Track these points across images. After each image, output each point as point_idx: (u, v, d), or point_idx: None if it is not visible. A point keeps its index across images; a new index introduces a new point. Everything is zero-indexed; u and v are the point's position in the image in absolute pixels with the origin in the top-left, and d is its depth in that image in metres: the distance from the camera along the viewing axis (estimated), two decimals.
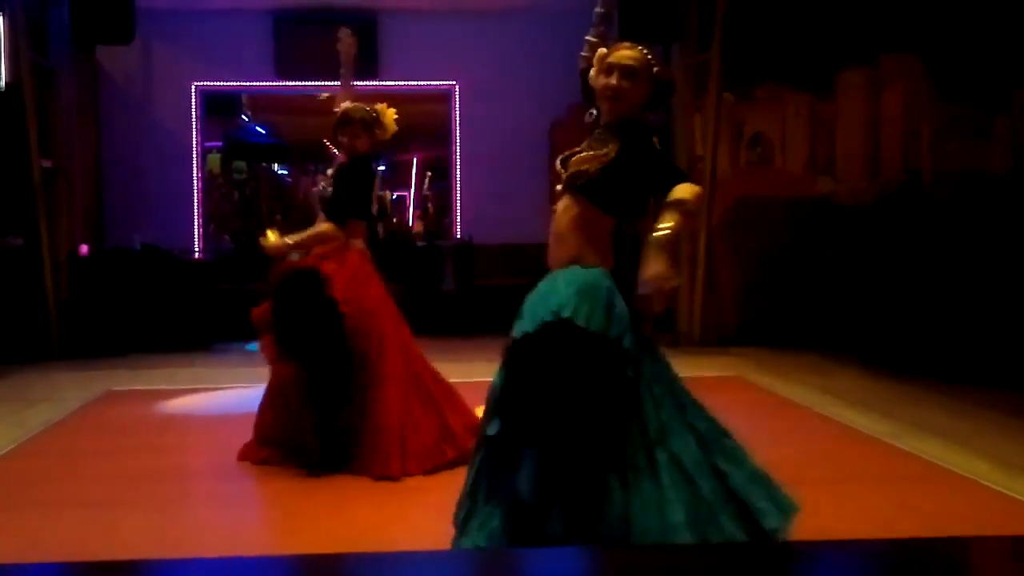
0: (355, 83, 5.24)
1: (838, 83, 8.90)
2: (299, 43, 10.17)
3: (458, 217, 10.60)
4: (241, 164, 12.20)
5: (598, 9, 3.42)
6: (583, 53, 3.33)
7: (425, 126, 11.16)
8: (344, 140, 4.97)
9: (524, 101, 9.97)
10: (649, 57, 3.12)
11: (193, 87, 10.16)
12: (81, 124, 9.39)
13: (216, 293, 9.30)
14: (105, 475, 4.56)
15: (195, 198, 10.21)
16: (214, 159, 11.35)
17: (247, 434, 4.84)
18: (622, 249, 3.03)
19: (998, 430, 5.34)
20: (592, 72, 3.18)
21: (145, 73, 10.13)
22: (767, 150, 9.06)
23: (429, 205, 12.03)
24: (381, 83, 10.36)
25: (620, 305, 2.93)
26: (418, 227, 11.56)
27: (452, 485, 4.19)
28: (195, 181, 10.21)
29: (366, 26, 10.24)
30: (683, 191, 2.88)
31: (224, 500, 4.27)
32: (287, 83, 10.31)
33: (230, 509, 4.13)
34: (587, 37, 3.37)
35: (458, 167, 10.60)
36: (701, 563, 2.27)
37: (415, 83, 10.42)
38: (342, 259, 4.79)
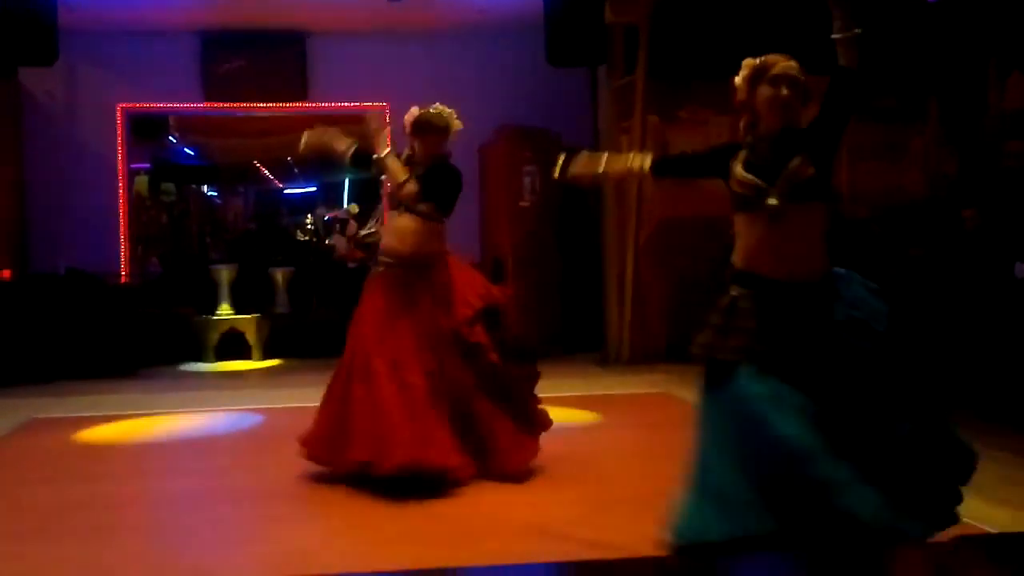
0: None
1: None
2: (227, 64, 10.12)
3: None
4: (170, 186, 12.08)
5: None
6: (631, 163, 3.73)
7: (356, 147, 11.17)
8: (425, 145, 4.95)
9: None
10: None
11: (119, 109, 10.03)
12: (3, 146, 9.23)
13: (143, 317, 9.18)
14: (29, 505, 4.49)
15: (121, 220, 10.06)
16: (141, 181, 11.22)
17: (174, 461, 4.79)
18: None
19: None
20: (740, 83, 3.24)
21: (69, 95, 9.98)
22: None
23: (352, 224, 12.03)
24: (312, 104, 10.37)
25: None
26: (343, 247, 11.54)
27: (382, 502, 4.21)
28: (121, 203, 10.07)
29: (295, 47, 10.24)
30: None
31: (152, 529, 4.24)
32: (215, 105, 10.24)
33: (158, 538, 4.10)
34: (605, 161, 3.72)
35: (390, 188, 10.62)
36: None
37: (346, 104, 10.43)
38: (461, 268, 4.99)
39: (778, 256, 3.12)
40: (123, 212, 10.08)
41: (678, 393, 7.13)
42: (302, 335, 9.79)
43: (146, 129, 10.87)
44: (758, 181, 3.11)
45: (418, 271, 4.82)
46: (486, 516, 4.09)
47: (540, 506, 4.24)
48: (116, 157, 10.06)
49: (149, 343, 9.16)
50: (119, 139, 10.05)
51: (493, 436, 4.65)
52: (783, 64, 3.22)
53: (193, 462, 5.43)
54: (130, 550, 3.91)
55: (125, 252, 10.05)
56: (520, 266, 9.62)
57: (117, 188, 10.06)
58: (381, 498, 4.40)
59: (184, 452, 5.72)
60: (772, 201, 3.09)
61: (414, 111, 5.00)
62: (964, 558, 2.90)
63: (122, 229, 10.06)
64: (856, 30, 3.05)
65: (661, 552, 2.91)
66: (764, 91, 3.19)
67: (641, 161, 3.60)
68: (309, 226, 13.18)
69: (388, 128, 5.24)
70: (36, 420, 6.65)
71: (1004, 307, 6.28)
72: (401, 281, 4.82)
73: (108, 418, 6.66)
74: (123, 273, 9.95)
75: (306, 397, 7.06)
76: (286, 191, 13.85)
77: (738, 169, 3.18)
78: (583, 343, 9.50)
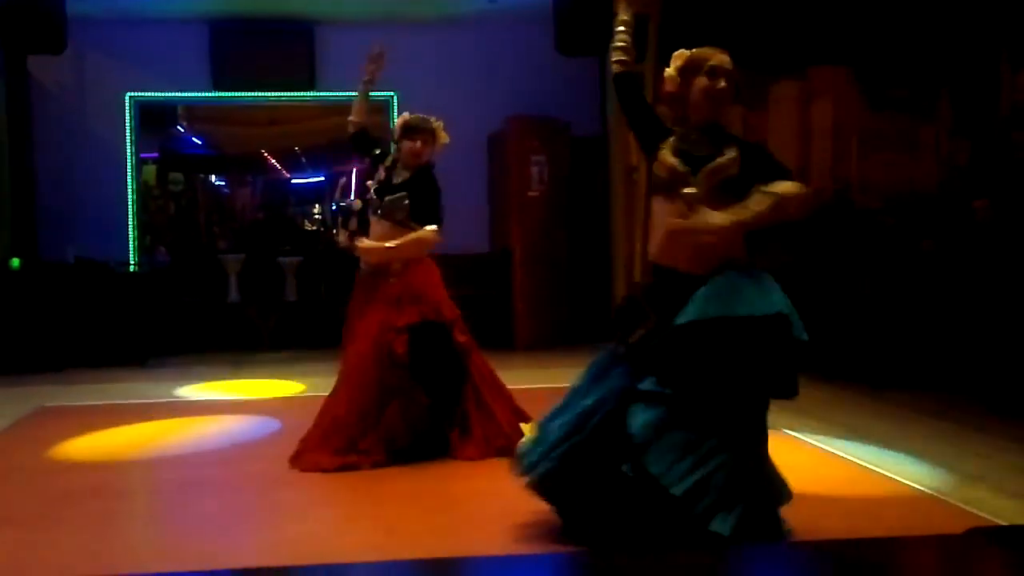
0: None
1: (770, 95, 9.08)
2: (236, 53, 10.11)
3: None
4: (177, 175, 12.07)
5: (623, 17, 3.62)
6: (617, 58, 3.66)
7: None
8: (414, 146, 5.03)
9: (462, 112, 9.96)
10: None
11: (127, 97, 10.03)
12: (12, 134, 9.23)
13: (152, 306, 9.19)
14: (37, 493, 4.49)
15: (130, 210, 10.08)
16: (149, 170, 11.21)
17: (181, 448, 4.80)
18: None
19: (926, 433, 5.49)
20: (672, 74, 3.35)
21: (78, 83, 9.99)
22: None
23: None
24: (318, 94, 10.35)
25: None
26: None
27: (396, 490, 4.21)
28: (130, 192, 10.09)
29: (304, 37, 10.23)
30: (784, 186, 3.15)
31: (159, 516, 4.24)
32: (224, 94, 10.23)
33: (166, 525, 4.10)
34: (616, 44, 3.63)
35: None
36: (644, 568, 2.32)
37: (352, 94, 10.38)
38: (428, 271, 5.04)
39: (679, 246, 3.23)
40: (131, 201, 10.10)
41: None
42: (310, 324, 9.81)
43: (154, 118, 10.86)
44: (681, 166, 3.16)
45: (384, 275, 4.98)
46: (496, 506, 4.08)
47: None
48: (125, 146, 10.07)
49: (157, 332, 9.17)
50: (128, 128, 10.06)
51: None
52: (719, 57, 3.26)
53: (200, 450, 5.43)
54: (137, 537, 3.91)
55: (134, 241, 10.07)
56: (528, 255, 9.61)
57: (126, 177, 10.07)
58: (390, 486, 4.40)
59: (191, 440, 5.72)
60: (691, 190, 3.14)
61: (405, 115, 5.16)
62: (974, 549, 2.89)
63: (130, 218, 10.08)
64: None
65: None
66: (701, 82, 3.23)
67: (619, 57, 3.72)
68: (317, 216, 13.16)
69: (380, 66, 5.27)
70: (45, 408, 6.66)
71: (1015, 299, 6.25)
72: (368, 284, 5.05)
73: (116, 407, 6.67)
74: (131, 262, 9.97)
75: (314, 386, 7.08)
76: (294, 181, 13.84)
77: (664, 153, 3.22)
78: (591, 333, 9.48)
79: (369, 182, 5.12)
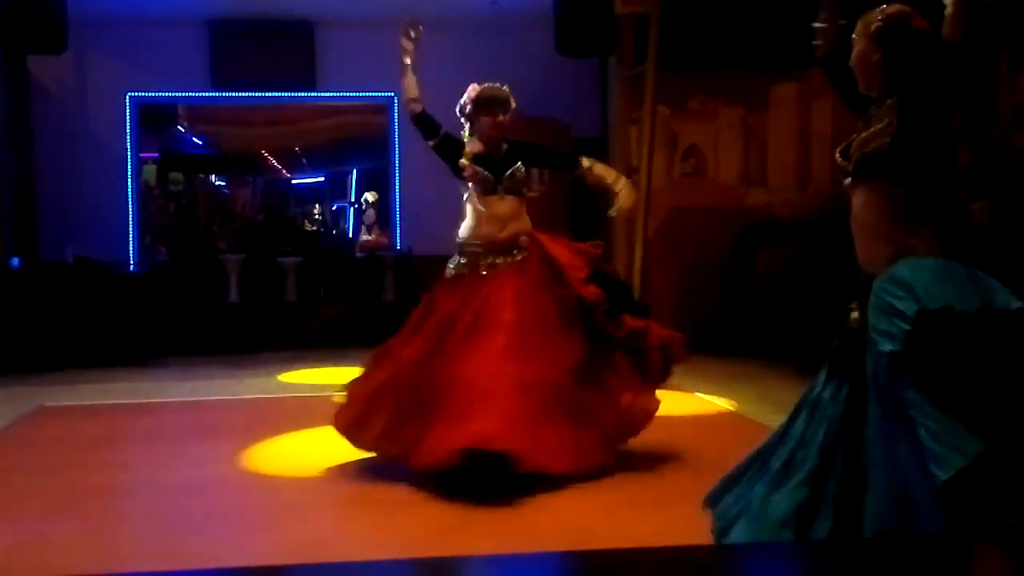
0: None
1: (770, 96, 9.09)
2: (236, 53, 10.12)
3: (398, 228, 10.61)
4: (178, 175, 12.06)
5: None
6: (817, 41, 3.19)
7: (364, 137, 11.18)
8: (496, 120, 4.81)
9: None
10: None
11: (128, 97, 10.04)
12: (12, 134, 9.23)
13: (152, 306, 9.19)
14: (38, 492, 4.49)
15: (130, 210, 10.08)
16: (150, 170, 11.21)
17: (184, 448, 4.79)
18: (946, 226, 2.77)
19: None
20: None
21: (78, 83, 10.00)
22: (701, 162, 9.21)
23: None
24: (319, 94, 10.36)
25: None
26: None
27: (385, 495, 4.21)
28: (130, 193, 10.09)
29: (304, 37, 10.24)
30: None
31: (162, 516, 4.24)
32: (224, 94, 10.24)
33: (168, 525, 4.10)
34: (817, 24, 3.20)
35: (397, 178, 10.62)
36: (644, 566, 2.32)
37: (353, 94, 10.42)
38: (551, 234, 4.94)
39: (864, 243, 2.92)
40: (131, 201, 10.11)
41: (686, 384, 7.12)
42: (310, 325, 9.82)
43: (154, 118, 10.87)
44: (843, 161, 2.90)
45: (507, 252, 4.72)
46: (496, 506, 4.08)
47: (558, 499, 4.20)
48: (125, 146, 10.08)
49: (157, 332, 9.17)
50: (128, 128, 10.07)
51: (611, 398, 4.55)
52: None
53: (203, 449, 5.43)
54: (140, 537, 3.92)
55: (134, 241, 10.07)
56: None
57: (126, 177, 10.08)
58: (396, 486, 4.40)
59: (193, 439, 5.72)
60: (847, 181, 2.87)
61: (475, 88, 4.91)
62: (973, 548, 2.88)
63: (130, 218, 10.09)
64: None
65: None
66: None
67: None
68: (317, 216, 13.16)
69: (417, 35, 5.07)
70: (45, 408, 6.66)
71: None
72: (466, 280, 4.68)
73: (117, 407, 6.67)
74: (131, 262, 9.97)
75: (315, 386, 7.09)
76: (294, 181, 13.84)
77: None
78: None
79: (464, 162, 4.75)
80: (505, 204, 4.77)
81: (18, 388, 7.36)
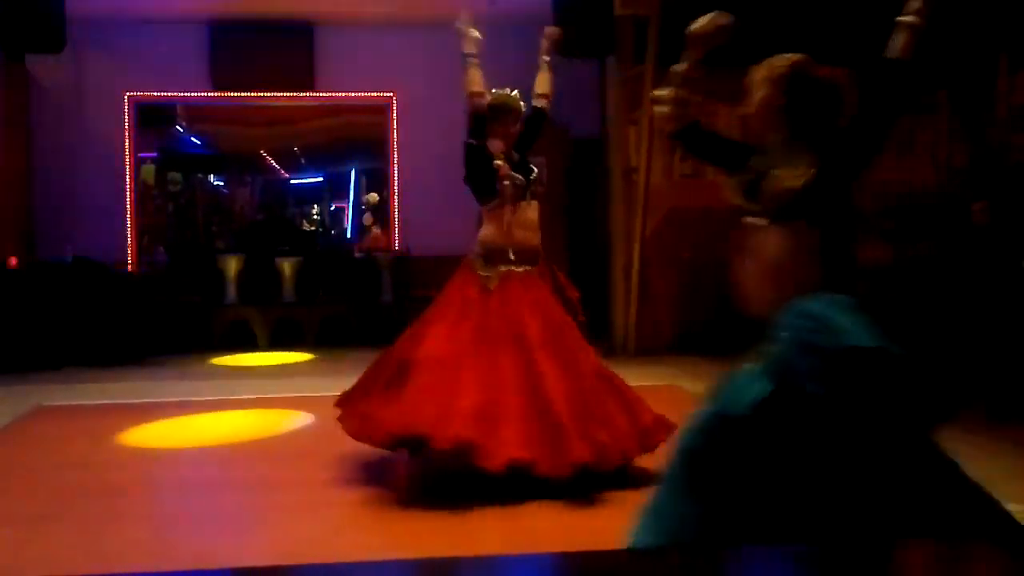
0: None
1: None
2: (235, 54, 10.12)
3: (396, 228, 10.61)
4: (176, 175, 12.06)
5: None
6: (669, 117, 3.16)
7: (362, 138, 11.18)
8: (509, 130, 4.79)
9: (461, 113, 9.94)
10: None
11: (126, 97, 10.04)
12: (10, 134, 9.23)
13: (150, 306, 9.18)
14: (36, 491, 4.50)
15: (128, 209, 10.08)
16: (148, 170, 11.22)
17: (179, 448, 4.79)
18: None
19: None
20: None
21: (77, 83, 9.99)
22: (699, 163, 9.21)
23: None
24: (317, 94, 10.36)
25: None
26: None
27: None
28: (128, 192, 10.09)
29: (303, 37, 10.24)
30: None
31: (157, 516, 4.24)
32: (223, 94, 10.24)
33: (163, 525, 4.10)
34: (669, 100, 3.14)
35: (395, 179, 10.62)
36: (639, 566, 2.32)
37: (352, 94, 10.42)
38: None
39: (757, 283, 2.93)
40: (130, 200, 10.10)
41: (685, 385, 7.13)
42: (308, 325, 9.82)
43: (153, 118, 10.86)
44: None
45: (532, 261, 4.73)
46: (496, 506, 4.08)
47: (557, 500, 4.19)
48: (123, 146, 10.07)
49: (155, 332, 9.16)
50: (126, 128, 10.06)
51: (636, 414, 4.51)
52: None
53: (198, 450, 5.43)
54: (135, 537, 3.91)
55: (132, 241, 10.07)
56: None
57: (124, 177, 10.08)
58: (390, 488, 4.40)
59: (190, 440, 5.72)
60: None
61: (487, 96, 4.85)
62: (972, 551, 2.89)
63: (129, 217, 10.08)
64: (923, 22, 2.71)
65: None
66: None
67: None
68: (315, 216, 13.16)
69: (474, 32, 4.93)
70: (42, 407, 6.66)
71: (1013, 302, 6.25)
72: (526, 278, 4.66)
73: (114, 406, 6.66)
74: (130, 262, 9.97)
75: (311, 386, 7.08)
76: (293, 181, 13.84)
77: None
78: (589, 334, 9.49)
79: (499, 163, 4.70)
80: (532, 209, 4.75)
81: (16, 387, 7.36)
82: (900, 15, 2.70)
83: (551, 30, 5.05)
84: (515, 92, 4.87)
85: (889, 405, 2.47)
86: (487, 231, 4.69)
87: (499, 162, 4.67)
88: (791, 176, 2.69)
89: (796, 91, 2.83)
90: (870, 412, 2.45)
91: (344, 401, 4.61)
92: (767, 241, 2.72)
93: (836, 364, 2.42)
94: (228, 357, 9.15)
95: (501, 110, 4.77)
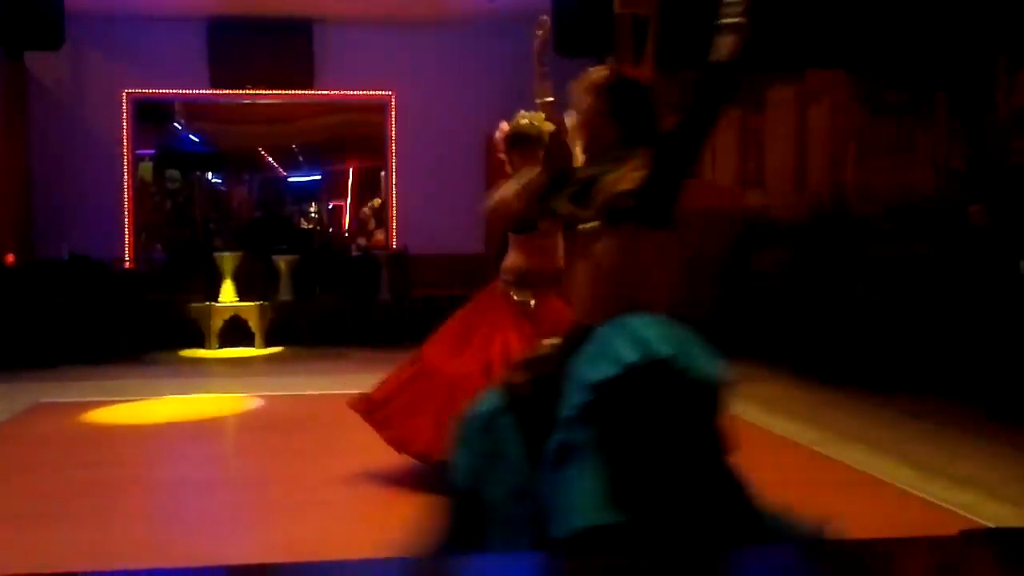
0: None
1: (767, 98, 9.10)
2: (234, 51, 10.11)
3: (394, 227, 10.61)
4: (174, 173, 12.05)
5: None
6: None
7: (361, 136, 11.17)
8: (525, 158, 4.47)
9: (460, 112, 10.01)
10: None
11: (125, 95, 10.02)
12: (8, 131, 9.22)
13: (147, 303, 9.18)
14: (34, 489, 4.50)
15: (126, 207, 10.07)
16: (146, 167, 11.20)
17: (176, 447, 4.79)
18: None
19: (920, 437, 5.51)
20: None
21: (76, 80, 9.98)
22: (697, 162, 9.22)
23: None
24: (316, 92, 10.36)
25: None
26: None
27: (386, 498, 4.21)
28: (126, 190, 10.08)
29: (302, 35, 10.23)
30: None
31: (154, 514, 4.24)
32: (222, 91, 10.23)
33: (160, 523, 4.10)
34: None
35: (394, 177, 10.62)
36: (624, 564, 2.32)
37: (351, 93, 10.42)
38: None
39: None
40: (128, 198, 10.09)
41: None
42: (305, 323, 9.81)
43: (151, 115, 10.85)
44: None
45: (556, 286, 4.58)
46: None
47: None
48: (121, 143, 10.06)
49: (153, 329, 9.16)
50: (125, 125, 10.05)
51: None
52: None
53: (195, 448, 5.43)
54: (132, 535, 3.91)
55: (129, 238, 10.06)
56: None
57: (122, 174, 10.06)
58: (395, 486, 4.40)
59: (186, 438, 5.72)
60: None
61: (505, 126, 4.63)
62: (968, 551, 2.89)
63: (126, 215, 10.07)
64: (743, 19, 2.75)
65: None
66: None
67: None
68: (313, 215, 13.15)
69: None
70: (40, 404, 6.65)
71: (1010, 304, 6.26)
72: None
73: (111, 403, 6.66)
74: (127, 259, 9.96)
75: (309, 385, 7.08)
76: (291, 179, 13.84)
77: None
78: None
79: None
80: (554, 231, 4.55)
81: (14, 384, 7.35)
82: (721, 17, 2.78)
83: (543, 20, 4.81)
84: (532, 114, 4.54)
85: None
86: (517, 259, 4.55)
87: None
88: (623, 179, 2.71)
89: (618, 95, 2.88)
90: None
91: (369, 405, 4.57)
92: (601, 246, 2.71)
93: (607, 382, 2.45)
94: (221, 351, 9.15)
95: (521, 139, 4.54)
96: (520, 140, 4.53)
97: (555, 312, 4.43)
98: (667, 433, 2.53)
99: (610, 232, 2.70)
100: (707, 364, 2.59)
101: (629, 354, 2.49)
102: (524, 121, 4.55)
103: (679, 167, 2.74)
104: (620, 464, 2.49)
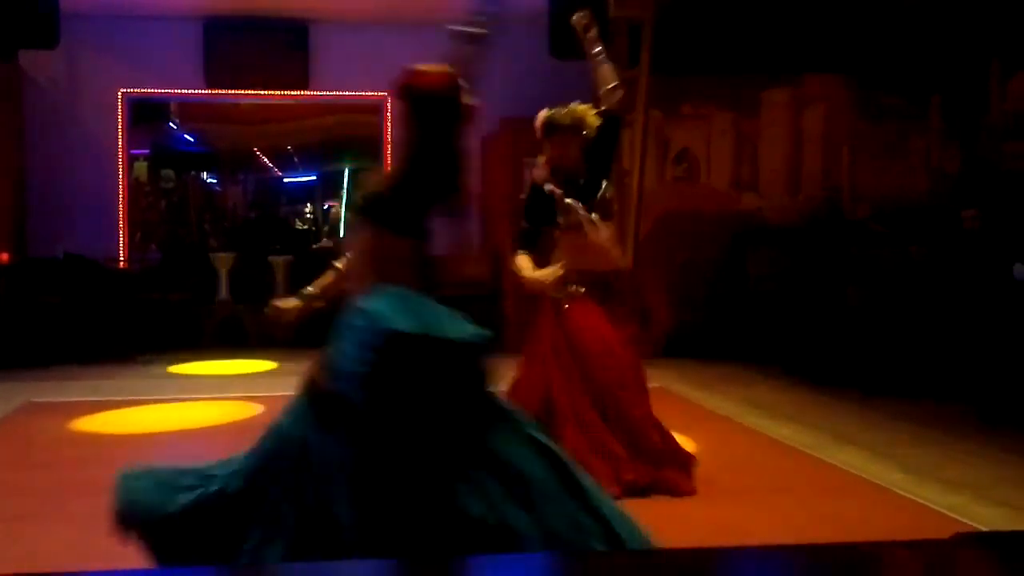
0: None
1: (762, 101, 9.13)
2: (229, 51, 10.10)
3: None
4: (169, 172, 12.06)
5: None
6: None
7: (356, 137, 11.18)
8: (567, 152, 4.48)
9: None
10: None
11: (120, 94, 10.01)
12: (3, 130, 9.20)
13: (141, 303, 9.16)
14: (25, 489, 4.49)
15: (121, 206, 10.05)
16: (141, 167, 11.19)
17: (170, 448, 4.79)
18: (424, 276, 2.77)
19: (913, 440, 5.52)
20: None
21: (70, 79, 9.95)
22: (693, 166, 9.23)
23: None
24: (312, 93, 10.35)
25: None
26: None
27: None
28: (121, 189, 10.06)
29: (297, 36, 10.22)
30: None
31: None
32: (216, 91, 10.22)
33: None
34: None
35: None
36: (612, 569, 2.33)
37: (346, 93, 10.41)
38: None
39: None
40: (122, 198, 10.07)
41: (676, 388, 7.14)
42: (300, 324, 9.78)
43: (146, 115, 10.85)
44: None
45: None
46: None
47: None
48: (116, 142, 10.04)
49: (146, 330, 9.14)
50: (119, 124, 10.03)
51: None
52: None
53: (190, 450, 5.43)
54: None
55: (124, 238, 10.04)
56: None
57: (117, 173, 10.04)
58: None
59: (180, 440, 5.71)
60: None
61: (543, 114, 4.56)
62: (962, 554, 2.89)
63: (121, 215, 10.05)
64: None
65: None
66: None
67: None
68: (308, 215, 13.16)
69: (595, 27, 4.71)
70: (32, 404, 6.64)
71: (1003, 308, 6.28)
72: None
73: (104, 403, 6.65)
74: (122, 259, 9.94)
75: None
76: (286, 180, 13.85)
77: None
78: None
79: (551, 187, 4.47)
80: (599, 231, 4.51)
81: (5, 384, 7.33)
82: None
83: (578, 18, 4.82)
84: (577, 105, 4.54)
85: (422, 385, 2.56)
86: (555, 257, 4.49)
87: (550, 187, 4.46)
88: (377, 180, 2.92)
89: (410, 97, 2.96)
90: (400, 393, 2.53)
91: None
92: (361, 238, 2.85)
93: (369, 348, 2.52)
94: (215, 352, 9.14)
95: (552, 127, 4.50)
96: (553, 128, 4.50)
97: (585, 316, 4.43)
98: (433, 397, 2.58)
99: (365, 227, 2.83)
100: (454, 327, 2.62)
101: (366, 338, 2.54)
102: (560, 109, 4.53)
103: (428, 182, 2.83)
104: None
